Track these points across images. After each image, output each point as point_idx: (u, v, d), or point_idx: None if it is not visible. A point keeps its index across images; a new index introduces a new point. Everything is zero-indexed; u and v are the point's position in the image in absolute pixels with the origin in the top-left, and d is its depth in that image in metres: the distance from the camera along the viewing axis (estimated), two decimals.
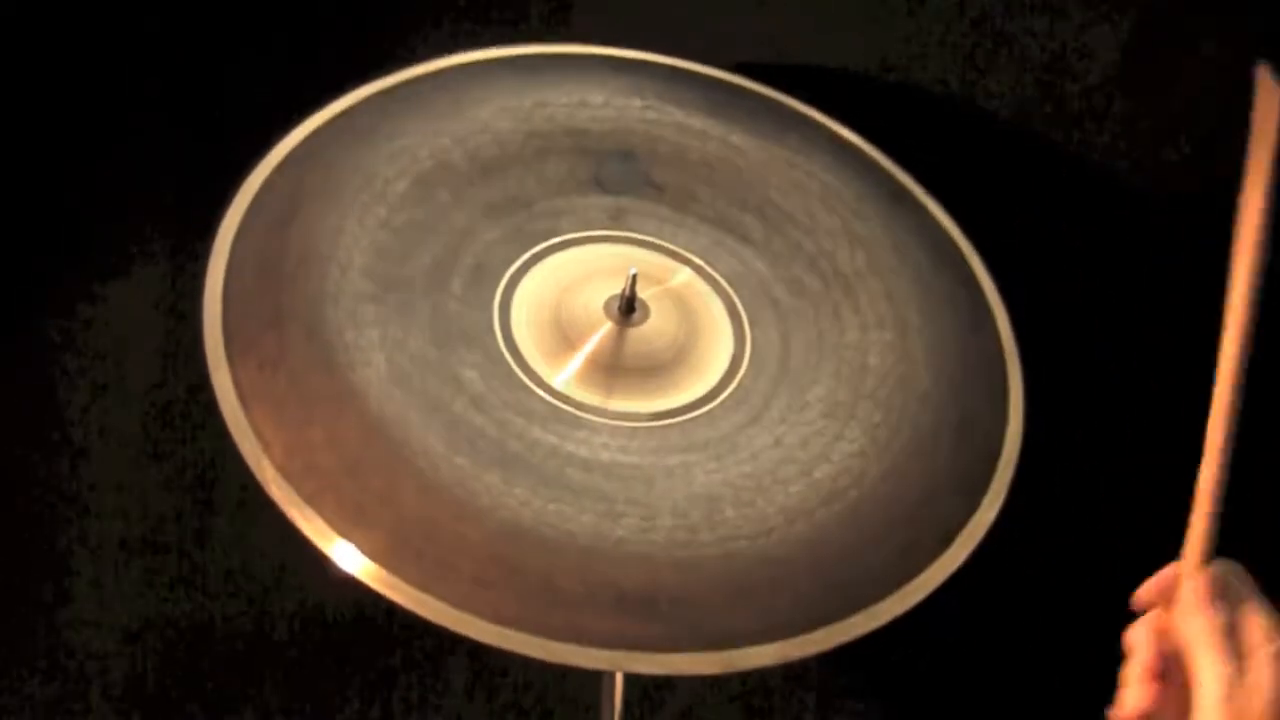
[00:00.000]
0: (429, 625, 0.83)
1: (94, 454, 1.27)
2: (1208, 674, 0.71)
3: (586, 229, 1.05)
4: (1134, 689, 0.75)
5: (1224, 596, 0.74)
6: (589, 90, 1.11)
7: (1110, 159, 1.20)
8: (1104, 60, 1.17)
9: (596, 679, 1.10)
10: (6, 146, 1.25)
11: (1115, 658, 0.85)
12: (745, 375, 0.99)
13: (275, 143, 1.03)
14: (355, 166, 1.02)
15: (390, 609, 0.83)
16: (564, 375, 0.97)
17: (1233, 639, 0.72)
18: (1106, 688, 0.78)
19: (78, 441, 1.26)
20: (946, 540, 0.90)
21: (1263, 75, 0.82)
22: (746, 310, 1.03)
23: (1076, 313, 1.22)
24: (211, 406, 0.90)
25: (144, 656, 1.26)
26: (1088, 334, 1.23)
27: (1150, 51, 1.16)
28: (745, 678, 1.30)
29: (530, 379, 0.96)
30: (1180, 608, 0.74)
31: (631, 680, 1.09)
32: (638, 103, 1.11)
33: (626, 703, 1.08)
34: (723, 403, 0.97)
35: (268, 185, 1.00)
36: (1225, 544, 1.24)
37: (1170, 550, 1.24)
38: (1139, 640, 0.76)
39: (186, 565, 1.27)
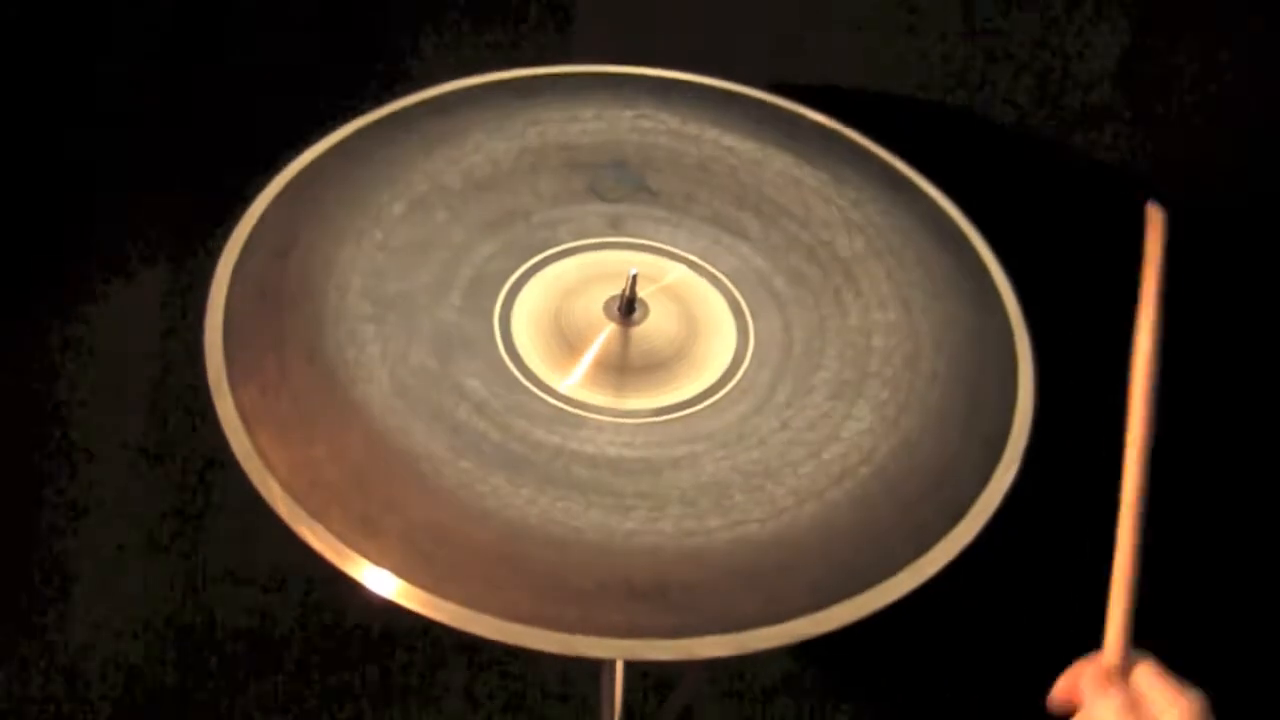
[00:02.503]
0: (428, 624, 0.83)
1: (94, 454, 1.27)
2: None
3: (585, 237, 1.05)
4: None
5: (1123, 678, 0.79)
6: (580, 105, 1.12)
7: (1110, 158, 1.21)
8: (1104, 60, 1.17)
9: (597, 678, 1.10)
10: (9, 147, 1.24)
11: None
12: (749, 365, 0.99)
13: (276, 165, 1.03)
14: (352, 192, 1.03)
15: (390, 608, 0.83)
16: (567, 377, 0.97)
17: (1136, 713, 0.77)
18: None
19: (78, 442, 1.26)
20: (956, 517, 0.90)
21: (1151, 213, 0.89)
22: (747, 303, 1.03)
23: (1079, 302, 1.22)
24: (211, 405, 0.90)
25: (143, 657, 1.26)
26: (1091, 321, 1.23)
27: (1150, 51, 1.17)
28: (743, 678, 1.30)
29: (532, 383, 0.96)
30: (1086, 697, 0.80)
31: (631, 680, 1.09)
32: (629, 113, 1.11)
33: (626, 702, 1.08)
34: (728, 393, 0.97)
35: (266, 214, 1.01)
36: (1227, 554, 1.25)
37: (1174, 533, 1.25)
38: None
39: (186, 565, 1.27)
